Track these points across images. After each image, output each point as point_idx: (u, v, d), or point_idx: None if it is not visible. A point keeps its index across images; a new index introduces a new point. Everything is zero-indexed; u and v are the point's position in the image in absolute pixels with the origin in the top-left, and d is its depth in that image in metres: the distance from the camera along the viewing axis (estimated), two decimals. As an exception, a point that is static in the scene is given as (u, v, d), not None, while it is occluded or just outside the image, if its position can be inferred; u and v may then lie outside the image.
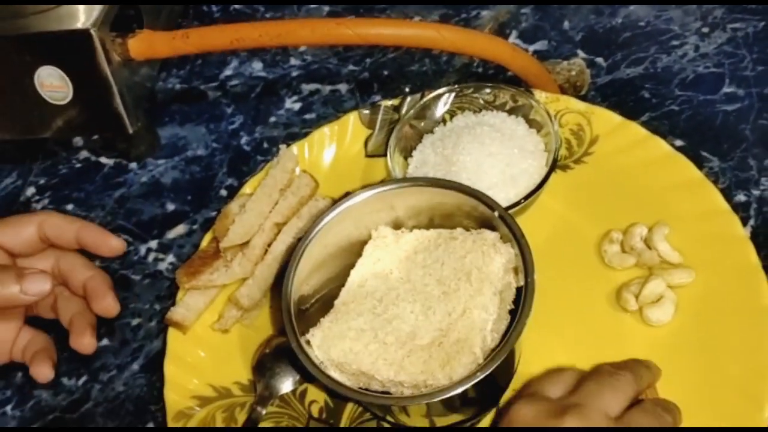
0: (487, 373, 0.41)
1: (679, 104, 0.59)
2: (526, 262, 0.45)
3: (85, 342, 0.51)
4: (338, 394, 0.45)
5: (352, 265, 0.48)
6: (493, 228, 0.48)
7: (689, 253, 0.50)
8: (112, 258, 0.60)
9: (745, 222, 0.52)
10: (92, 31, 0.57)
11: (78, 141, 0.68)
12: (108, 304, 0.51)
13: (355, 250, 0.49)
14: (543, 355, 0.48)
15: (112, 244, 0.53)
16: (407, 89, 0.65)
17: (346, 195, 0.51)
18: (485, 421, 0.48)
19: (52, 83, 0.59)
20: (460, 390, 0.41)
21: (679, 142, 0.56)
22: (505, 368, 0.47)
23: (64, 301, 0.53)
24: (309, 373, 0.44)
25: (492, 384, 0.46)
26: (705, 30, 0.63)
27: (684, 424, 0.44)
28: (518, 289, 0.45)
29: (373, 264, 0.48)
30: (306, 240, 0.48)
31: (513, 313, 0.45)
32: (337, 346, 0.45)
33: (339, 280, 0.49)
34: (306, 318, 0.47)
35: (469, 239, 0.48)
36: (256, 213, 0.56)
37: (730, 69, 0.60)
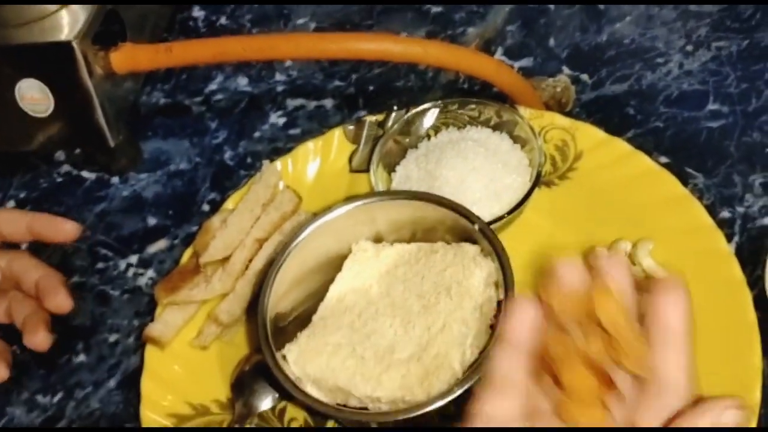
0: (466, 388, 0.41)
1: (664, 121, 0.59)
2: (506, 276, 0.44)
3: (38, 338, 0.49)
4: (315, 411, 0.44)
5: (331, 280, 0.48)
6: (474, 242, 0.47)
7: (674, 268, 0.49)
8: (93, 272, 0.60)
9: (729, 238, 0.52)
10: (74, 44, 0.56)
11: (59, 155, 0.67)
12: (60, 300, 0.50)
13: (335, 265, 0.49)
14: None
15: (67, 228, 0.52)
16: (393, 105, 0.64)
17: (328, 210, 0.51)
18: None
19: (33, 96, 0.59)
20: (437, 406, 0.40)
21: (663, 159, 0.56)
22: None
23: (17, 303, 0.52)
24: (286, 390, 0.43)
25: (473, 398, 0.45)
26: (689, 48, 0.63)
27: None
28: (499, 304, 0.45)
29: (353, 278, 0.47)
30: (283, 255, 0.48)
31: (494, 327, 0.44)
32: (313, 362, 0.44)
33: (318, 295, 0.48)
34: (284, 334, 0.46)
35: (449, 253, 0.47)
36: (237, 228, 0.55)
37: (714, 86, 0.60)
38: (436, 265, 0.47)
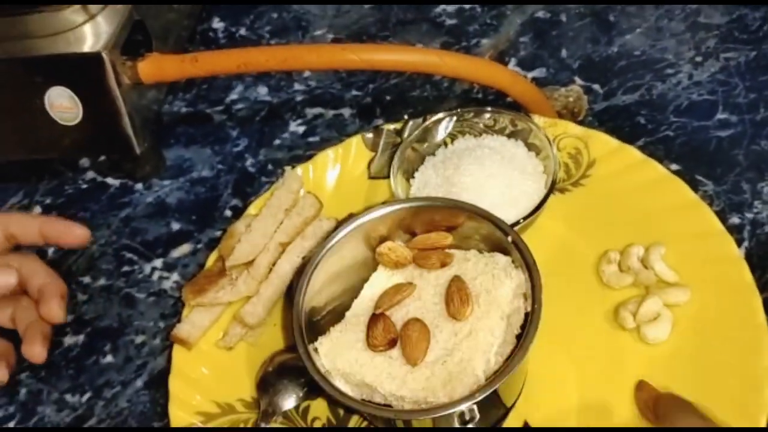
0: (486, 394, 0.42)
1: (674, 130, 0.61)
2: (534, 289, 0.45)
3: (35, 351, 0.50)
4: (340, 403, 0.46)
5: (366, 279, 0.49)
6: (506, 252, 0.48)
7: (685, 272, 0.51)
8: (119, 275, 0.61)
9: (739, 244, 0.53)
10: (103, 54, 0.58)
11: (85, 162, 0.69)
12: (52, 310, 0.51)
13: (370, 265, 0.50)
14: (544, 371, 0.49)
15: (77, 233, 0.53)
16: (409, 114, 0.66)
17: (350, 216, 0.52)
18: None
19: (62, 104, 0.61)
20: (459, 408, 0.42)
21: (674, 167, 0.58)
22: (511, 388, 0.48)
23: (22, 311, 0.53)
24: (313, 386, 0.45)
25: (497, 403, 0.47)
26: (698, 59, 0.64)
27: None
28: (527, 315, 0.46)
29: (387, 279, 0.49)
30: (321, 252, 0.49)
31: (520, 338, 0.45)
32: (343, 356, 0.45)
33: (353, 292, 0.49)
34: (316, 328, 0.48)
35: (481, 262, 0.48)
36: (261, 233, 0.57)
37: (723, 96, 0.62)
38: (467, 272, 0.48)
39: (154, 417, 0.54)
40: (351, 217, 0.52)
